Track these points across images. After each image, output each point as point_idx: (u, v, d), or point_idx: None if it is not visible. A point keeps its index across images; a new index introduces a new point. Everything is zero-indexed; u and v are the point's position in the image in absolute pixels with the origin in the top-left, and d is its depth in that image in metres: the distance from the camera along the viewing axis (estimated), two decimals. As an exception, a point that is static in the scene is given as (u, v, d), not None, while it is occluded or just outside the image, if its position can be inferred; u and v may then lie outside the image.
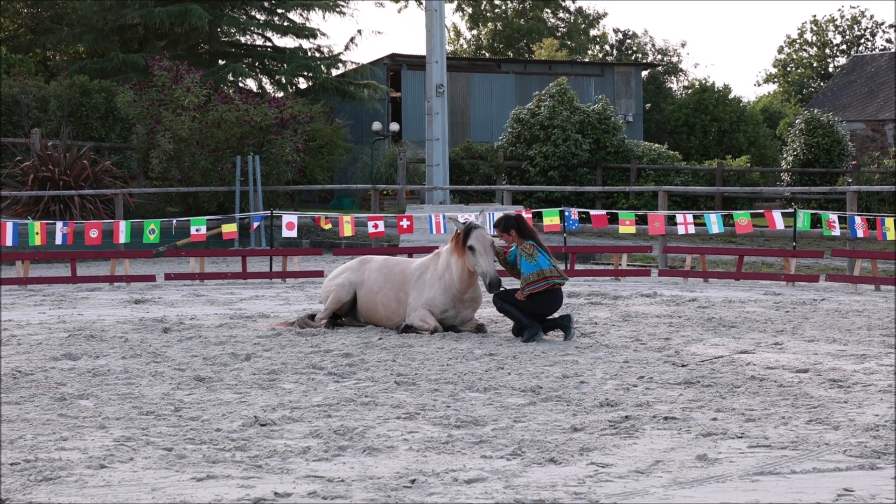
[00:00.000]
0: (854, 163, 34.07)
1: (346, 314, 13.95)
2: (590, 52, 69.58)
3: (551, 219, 21.53)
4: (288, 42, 41.94)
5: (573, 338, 12.74)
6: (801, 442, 7.78)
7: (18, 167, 28.01)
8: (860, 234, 19.93)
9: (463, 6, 69.68)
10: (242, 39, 41.97)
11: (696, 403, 9.08)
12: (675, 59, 69.88)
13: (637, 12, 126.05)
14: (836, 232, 20.11)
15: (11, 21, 43.88)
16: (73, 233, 20.76)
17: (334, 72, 40.94)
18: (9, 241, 20.43)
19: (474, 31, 70.51)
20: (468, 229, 12.83)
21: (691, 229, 21.02)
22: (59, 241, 20.66)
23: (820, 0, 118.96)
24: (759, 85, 75.97)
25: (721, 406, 8.97)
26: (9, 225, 20.55)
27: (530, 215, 21.76)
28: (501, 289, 12.89)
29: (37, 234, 20.60)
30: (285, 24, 40.70)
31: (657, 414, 8.66)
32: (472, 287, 13.14)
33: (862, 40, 74.50)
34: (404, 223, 21.48)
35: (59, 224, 20.92)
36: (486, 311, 14.74)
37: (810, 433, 8.05)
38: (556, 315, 13.00)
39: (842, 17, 75.52)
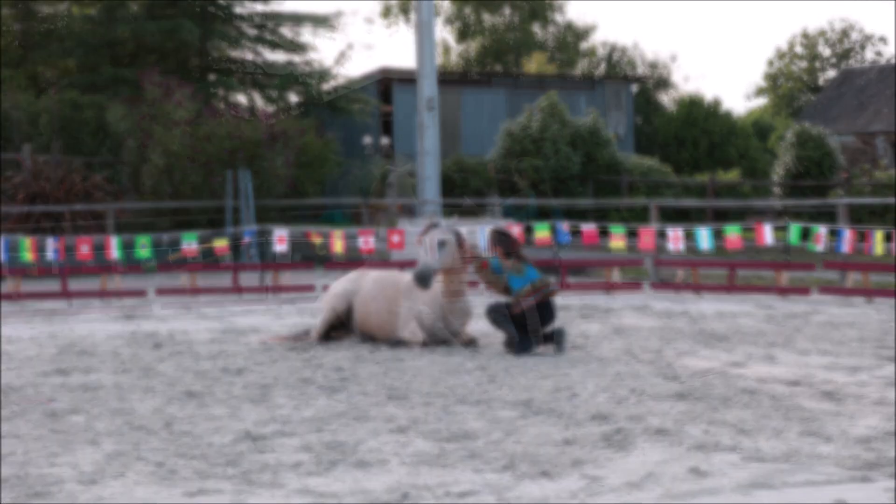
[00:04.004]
0: (845, 175, 34.13)
1: (341, 326, 13.98)
2: (579, 65, 69.65)
3: (542, 232, 21.52)
4: (279, 57, 41.99)
5: (565, 352, 12.74)
6: (794, 454, 7.77)
7: (9, 182, 27.96)
8: (845, 248, 19.91)
9: (451, 21, 69.74)
10: (233, 54, 42.00)
11: (688, 416, 9.08)
12: (665, 73, 69.98)
13: (627, 26, 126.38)
14: (822, 247, 20.09)
15: (2, 37, 43.84)
16: (65, 248, 20.74)
17: (325, 86, 40.96)
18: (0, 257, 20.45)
19: (463, 46, 70.56)
20: (427, 228, 13.28)
21: (681, 245, 20.97)
22: (50, 256, 20.63)
23: (811, 1, 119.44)
24: (750, 98, 76.16)
25: (713, 419, 8.96)
26: (0, 240, 20.52)
27: (521, 230, 21.78)
28: (495, 302, 12.98)
29: (28, 250, 20.56)
30: (276, 39, 40.74)
31: (649, 427, 8.65)
32: (458, 298, 13.19)
33: (852, 53, 74.71)
34: (395, 238, 21.48)
35: (51, 240, 20.89)
36: (479, 326, 14.74)
37: (803, 445, 8.04)
38: (548, 328, 13.00)
39: (832, 29, 75.73)
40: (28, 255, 20.58)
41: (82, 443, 8.26)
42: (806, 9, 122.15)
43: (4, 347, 13.62)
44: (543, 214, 31.80)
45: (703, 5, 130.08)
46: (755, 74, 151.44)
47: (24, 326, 16.08)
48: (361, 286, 13.93)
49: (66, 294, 19.98)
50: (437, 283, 13.10)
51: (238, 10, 40.27)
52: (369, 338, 13.81)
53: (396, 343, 13.15)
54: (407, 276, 13.86)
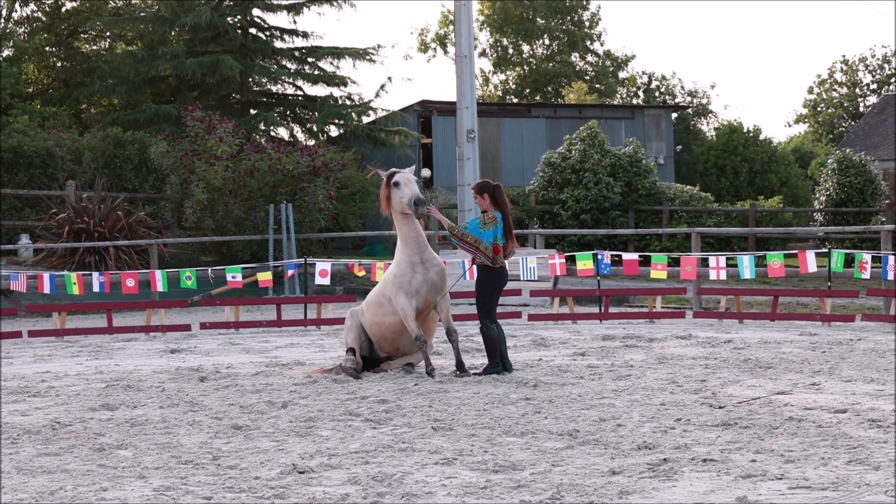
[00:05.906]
0: (887, 202, 33.95)
1: (366, 350, 14.23)
2: (619, 94, 69.68)
3: (584, 262, 21.48)
4: (319, 90, 42.22)
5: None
6: (842, 483, 7.73)
7: (54, 219, 28.24)
8: (891, 275, 19.77)
9: (488, 52, 69.94)
10: (274, 89, 42.26)
11: (734, 445, 9.05)
12: (704, 101, 69.91)
13: (666, 54, 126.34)
14: (867, 275, 19.95)
15: (46, 75, 44.36)
16: (110, 283, 20.97)
17: (365, 119, 41.13)
18: (46, 290, 20.78)
19: (502, 77, 70.74)
20: (392, 173, 13.86)
21: (723, 274, 20.92)
22: (96, 288, 20.88)
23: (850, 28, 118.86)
24: (790, 125, 75.89)
25: (760, 447, 8.93)
26: (45, 276, 20.78)
27: (563, 260, 21.80)
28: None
29: (74, 283, 20.84)
30: (316, 72, 40.96)
31: (696, 456, 8.63)
32: (421, 248, 13.70)
33: (892, 79, 74.35)
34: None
35: (95, 274, 21.16)
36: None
37: (850, 474, 8.00)
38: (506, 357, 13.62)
39: (872, 56, 75.44)
40: (75, 290, 20.90)
41: (130, 477, 8.32)
42: (845, 36, 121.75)
43: (52, 383, 13.74)
44: (585, 245, 31.81)
45: (743, 34, 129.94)
46: (795, 102, 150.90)
47: (70, 362, 16.21)
48: (363, 304, 14.34)
49: (110, 329, 20.15)
50: (399, 236, 13.82)
51: (278, 44, 40.57)
52: (389, 349, 14.17)
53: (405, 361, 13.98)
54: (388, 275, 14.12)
